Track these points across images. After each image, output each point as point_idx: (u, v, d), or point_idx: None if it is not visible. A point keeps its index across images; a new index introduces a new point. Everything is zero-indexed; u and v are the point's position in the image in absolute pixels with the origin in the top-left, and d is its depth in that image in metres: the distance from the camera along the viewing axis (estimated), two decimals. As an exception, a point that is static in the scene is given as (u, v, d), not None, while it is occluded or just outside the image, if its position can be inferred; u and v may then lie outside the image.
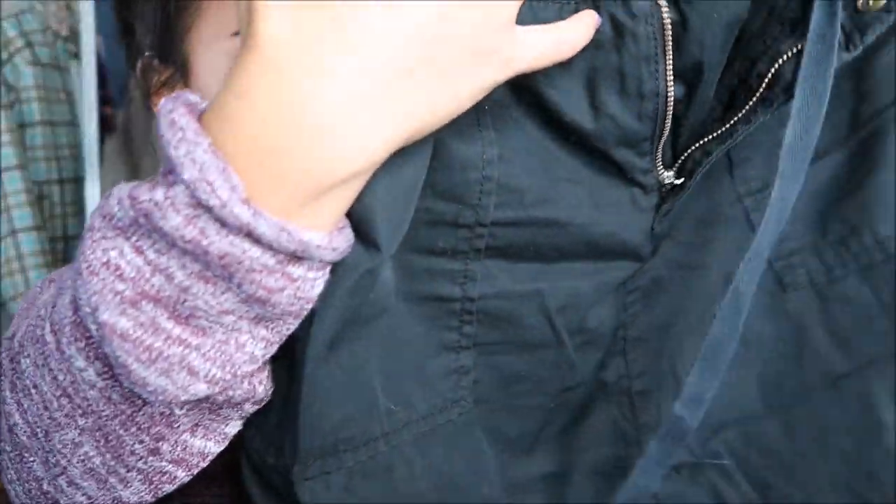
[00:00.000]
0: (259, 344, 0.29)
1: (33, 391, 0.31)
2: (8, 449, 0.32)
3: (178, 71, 0.45)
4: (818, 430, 0.39)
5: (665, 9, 0.33)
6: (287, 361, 0.32)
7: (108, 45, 1.58)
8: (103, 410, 0.30)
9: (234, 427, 0.32)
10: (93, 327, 0.28)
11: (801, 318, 0.40)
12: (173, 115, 0.26)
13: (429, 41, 0.27)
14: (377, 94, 0.26)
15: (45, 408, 0.31)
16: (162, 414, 0.30)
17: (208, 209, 0.26)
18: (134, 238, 0.27)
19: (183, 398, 0.28)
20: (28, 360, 0.31)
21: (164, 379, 0.28)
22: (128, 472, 0.31)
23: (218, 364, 0.29)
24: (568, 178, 0.36)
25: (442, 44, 0.27)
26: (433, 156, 0.33)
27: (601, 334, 0.39)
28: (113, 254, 0.27)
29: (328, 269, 0.29)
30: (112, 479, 0.31)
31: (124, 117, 1.55)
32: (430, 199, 0.34)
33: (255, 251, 0.26)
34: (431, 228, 0.35)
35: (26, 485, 0.32)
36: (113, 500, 0.31)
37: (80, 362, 0.29)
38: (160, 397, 0.28)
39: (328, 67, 0.26)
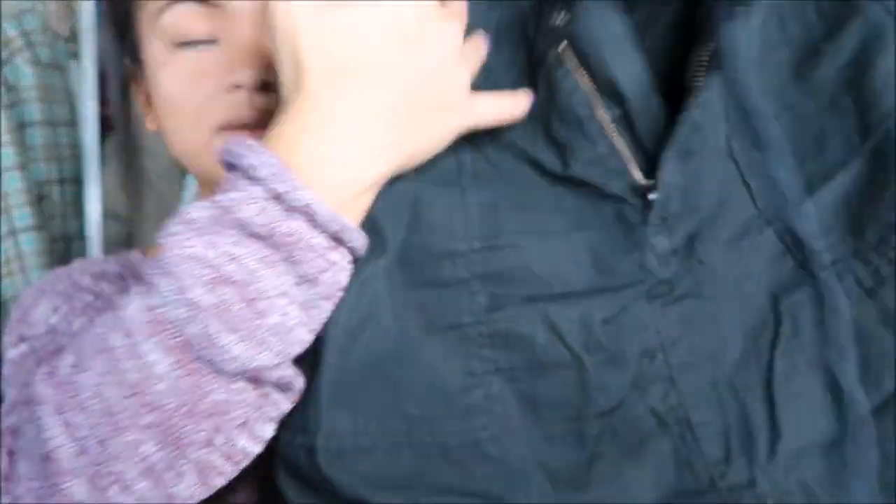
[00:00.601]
0: (303, 329, 0.36)
1: (94, 402, 0.33)
2: (35, 485, 0.34)
3: (140, 68, 0.55)
4: None
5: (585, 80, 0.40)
6: (312, 356, 0.37)
7: (107, 45, 1.57)
8: (170, 402, 0.34)
9: (269, 430, 0.37)
10: (182, 310, 0.33)
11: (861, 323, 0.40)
12: (246, 141, 0.36)
13: (413, 96, 0.38)
14: (378, 135, 0.38)
15: (108, 413, 0.33)
16: (223, 402, 0.35)
17: (277, 197, 0.35)
18: (210, 235, 0.35)
19: (252, 365, 0.34)
20: (89, 374, 0.34)
21: (241, 346, 0.34)
22: (185, 463, 0.34)
23: (278, 339, 0.35)
24: (555, 208, 0.41)
25: (422, 98, 0.38)
26: (412, 220, 0.40)
27: (623, 353, 0.40)
28: (197, 248, 0.34)
29: (352, 263, 0.38)
30: (168, 475, 0.34)
31: (124, 117, 1.55)
32: (426, 233, 0.40)
33: (311, 233, 0.35)
34: (432, 261, 0.40)
35: None
36: (165, 498, 0.34)
37: (156, 356, 0.34)
38: (235, 365, 0.34)
39: (350, 115, 0.37)
